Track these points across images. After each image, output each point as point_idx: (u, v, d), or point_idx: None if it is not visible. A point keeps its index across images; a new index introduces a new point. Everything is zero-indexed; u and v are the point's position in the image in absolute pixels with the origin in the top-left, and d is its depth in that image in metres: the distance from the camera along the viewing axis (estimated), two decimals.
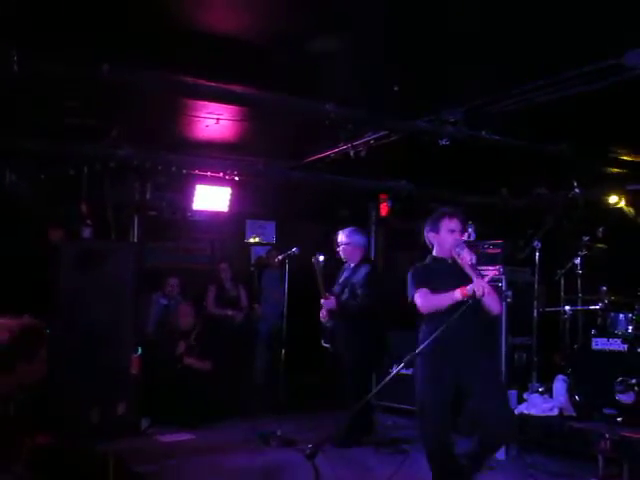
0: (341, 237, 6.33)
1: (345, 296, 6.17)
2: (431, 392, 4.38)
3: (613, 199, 7.50)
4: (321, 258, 6.14)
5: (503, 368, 6.58)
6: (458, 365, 4.33)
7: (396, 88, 5.08)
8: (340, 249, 6.30)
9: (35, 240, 6.65)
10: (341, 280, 6.32)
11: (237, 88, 4.98)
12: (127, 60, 4.52)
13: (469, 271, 4.23)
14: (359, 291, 6.14)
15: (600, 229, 6.67)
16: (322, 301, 6.19)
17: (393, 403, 7.27)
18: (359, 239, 6.38)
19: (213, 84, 4.88)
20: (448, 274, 4.37)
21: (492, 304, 4.29)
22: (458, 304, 4.16)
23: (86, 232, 6.72)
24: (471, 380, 4.32)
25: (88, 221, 6.72)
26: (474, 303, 4.14)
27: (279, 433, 6.20)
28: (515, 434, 4.65)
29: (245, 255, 9.02)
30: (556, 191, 7.69)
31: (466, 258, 4.23)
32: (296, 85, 4.98)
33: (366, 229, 9.14)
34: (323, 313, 6.26)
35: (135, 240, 7.17)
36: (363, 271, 6.18)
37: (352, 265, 6.28)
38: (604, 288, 6.23)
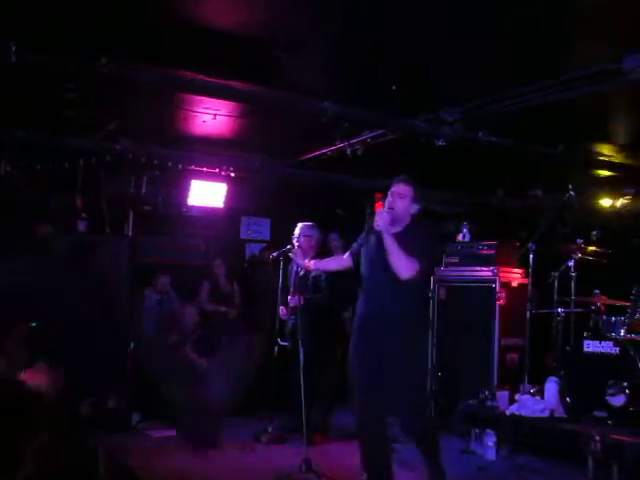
0: (300, 230, 6.30)
1: (309, 291, 6.16)
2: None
3: (607, 202, 7.53)
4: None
5: (495, 368, 6.62)
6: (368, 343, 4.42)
7: (394, 87, 5.08)
8: (301, 240, 6.21)
9: (30, 232, 6.62)
10: (296, 277, 6.20)
11: (235, 84, 4.97)
12: (125, 54, 4.51)
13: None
14: (324, 284, 6.16)
15: (594, 232, 6.68)
16: (289, 298, 6.18)
17: None
18: (318, 234, 6.42)
19: (211, 79, 4.87)
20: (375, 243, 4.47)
21: (397, 265, 4.24)
22: (371, 276, 4.41)
23: (81, 225, 6.71)
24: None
25: (83, 214, 6.70)
26: (382, 275, 4.30)
27: (270, 430, 6.21)
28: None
29: (240, 252, 9.01)
30: (551, 193, 7.70)
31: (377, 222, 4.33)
32: (294, 82, 4.97)
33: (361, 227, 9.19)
34: (284, 311, 6.27)
35: (129, 234, 7.16)
36: None
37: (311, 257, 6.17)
38: (597, 291, 6.25)
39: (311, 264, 5.18)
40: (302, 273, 6.09)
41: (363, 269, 4.55)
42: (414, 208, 4.50)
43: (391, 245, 4.24)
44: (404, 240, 4.29)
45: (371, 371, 4.32)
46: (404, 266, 4.22)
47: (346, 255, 4.85)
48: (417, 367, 4.58)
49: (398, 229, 4.42)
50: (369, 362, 4.35)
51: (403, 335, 4.30)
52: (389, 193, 4.52)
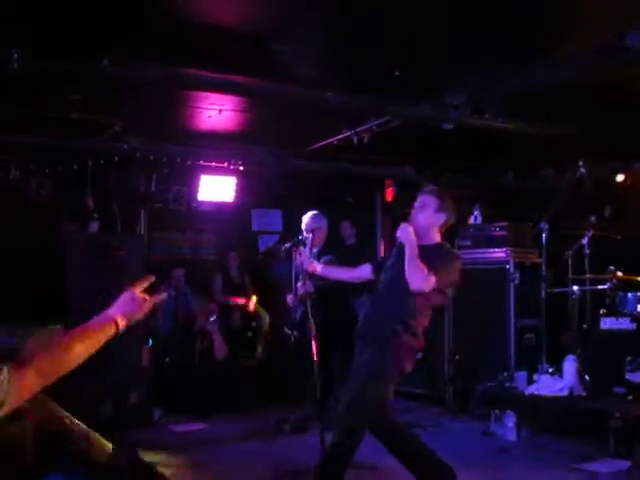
0: (309, 223, 6.13)
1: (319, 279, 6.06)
2: None
3: (620, 178, 7.47)
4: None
5: (512, 349, 6.62)
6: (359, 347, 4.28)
7: (397, 73, 5.06)
8: (312, 234, 6.00)
9: (42, 235, 6.68)
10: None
11: (238, 78, 4.97)
12: (127, 53, 4.53)
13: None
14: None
15: (607, 208, 6.64)
16: (298, 285, 5.91)
17: (402, 387, 7.31)
18: (325, 222, 6.29)
19: (213, 75, 4.87)
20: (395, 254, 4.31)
21: (411, 274, 3.99)
22: (382, 282, 4.26)
23: (93, 226, 6.75)
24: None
25: (94, 215, 6.74)
26: (388, 283, 4.18)
27: (292, 419, 6.24)
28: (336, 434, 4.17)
29: (252, 245, 9.03)
30: (562, 172, 7.66)
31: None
32: (296, 74, 4.96)
33: (372, 214, 9.19)
34: (292, 299, 6.06)
35: (141, 232, 7.19)
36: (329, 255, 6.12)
37: (314, 250, 6.11)
38: (612, 267, 6.22)
39: (318, 268, 5.07)
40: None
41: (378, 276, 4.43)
42: (440, 218, 4.23)
43: (411, 253, 4.03)
44: (427, 255, 4.05)
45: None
46: (418, 277, 3.98)
47: (367, 265, 4.62)
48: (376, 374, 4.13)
49: (424, 242, 4.17)
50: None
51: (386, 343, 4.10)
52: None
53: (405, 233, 4.12)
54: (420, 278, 3.96)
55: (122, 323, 2.33)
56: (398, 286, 4.07)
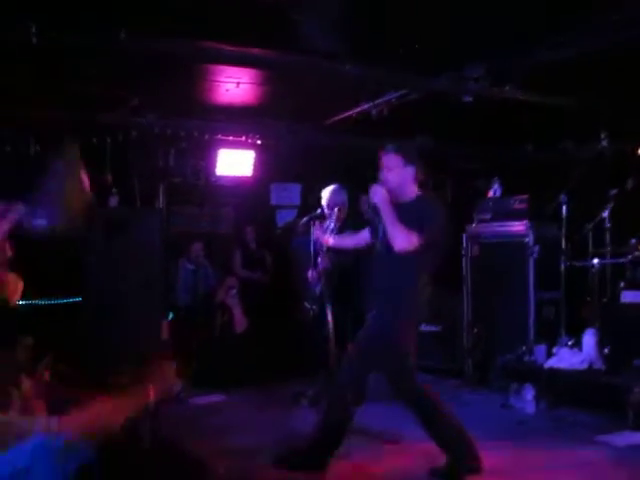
0: (330, 199, 5.97)
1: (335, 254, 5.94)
2: None
3: None
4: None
5: (531, 323, 6.60)
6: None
7: (416, 46, 5.01)
8: (339, 209, 5.90)
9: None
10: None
11: (256, 51, 4.94)
12: (144, 27, 4.51)
13: None
14: None
15: (629, 181, 6.56)
16: (319, 260, 5.87)
17: (420, 360, 7.32)
18: (346, 195, 6.12)
19: (231, 47, 4.85)
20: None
21: (392, 237, 4.05)
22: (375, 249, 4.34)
23: (112, 201, 6.79)
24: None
25: (114, 190, 6.78)
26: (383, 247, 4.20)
27: (310, 393, 6.28)
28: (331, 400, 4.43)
29: (270, 219, 9.04)
30: (583, 144, 7.57)
31: None
32: (314, 46, 4.92)
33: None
34: (313, 274, 6.03)
35: (160, 207, 7.23)
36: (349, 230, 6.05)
37: (339, 225, 5.90)
38: (633, 241, 6.16)
39: (330, 240, 5.09)
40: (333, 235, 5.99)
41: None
42: (409, 172, 4.22)
43: (387, 216, 4.06)
44: (409, 212, 4.08)
45: None
46: (399, 238, 4.01)
47: (366, 230, 4.69)
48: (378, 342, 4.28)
49: (405, 199, 4.20)
50: None
51: (387, 309, 4.22)
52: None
53: (378, 196, 4.13)
54: (401, 239, 4.01)
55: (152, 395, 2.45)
56: (387, 250, 4.13)
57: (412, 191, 4.24)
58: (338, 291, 5.98)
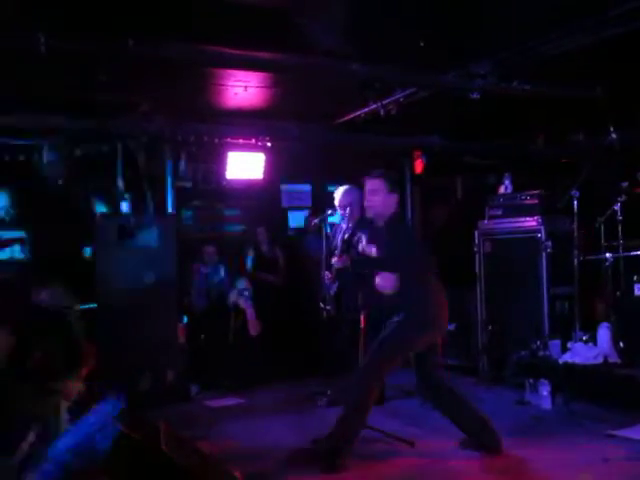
0: (345, 197, 6.00)
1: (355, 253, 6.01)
2: None
3: None
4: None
5: (545, 318, 6.58)
6: None
7: (422, 44, 5.01)
8: (351, 210, 5.90)
9: (75, 218, 6.79)
10: (341, 239, 5.95)
11: (262, 54, 4.96)
12: (152, 33, 4.55)
13: None
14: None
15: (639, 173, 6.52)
16: (334, 260, 5.65)
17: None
18: (358, 195, 5.89)
19: (238, 51, 4.87)
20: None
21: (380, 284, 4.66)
22: None
23: (124, 206, 6.84)
24: None
25: (125, 195, 6.83)
26: None
27: (329, 393, 6.30)
28: (348, 400, 4.62)
29: (282, 220, 9.07)
30: (593, 137, 7.54)
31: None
32: (321, 47, 4.94)
33: (401, 187, 9.11)
34: (328, 275, 5.98)
35: (172, 212, 7.27)
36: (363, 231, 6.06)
37: (350, 225, 5.89)
38: None
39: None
40: (347, 235, 6.00)
41: None
42: (393, 198, 4.66)
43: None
44: (387, 235, 4.53)
45: None
46: (384, 283, 4.55)
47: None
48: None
49: (380, 223, 4.63)
50: None
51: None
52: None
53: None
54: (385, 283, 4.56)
55: None
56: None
57: (389, 214, 4.64)
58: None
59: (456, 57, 5.43)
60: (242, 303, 7.48)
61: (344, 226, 5.83)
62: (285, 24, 4.53)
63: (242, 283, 7.59)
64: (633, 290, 5.82)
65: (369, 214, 4.72)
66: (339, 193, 6.02)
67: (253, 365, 7.13)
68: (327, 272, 6.15)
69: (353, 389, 4.57)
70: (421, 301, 4.51)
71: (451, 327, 7.66)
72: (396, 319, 4.56)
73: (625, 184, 6.32)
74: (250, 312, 7.48)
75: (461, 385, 6.60)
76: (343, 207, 5.90)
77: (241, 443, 5.26)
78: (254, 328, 7.45)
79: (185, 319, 7.10)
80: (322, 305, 6.15)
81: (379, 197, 4.60)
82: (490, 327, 7.08)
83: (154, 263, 6.63)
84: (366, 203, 4.68)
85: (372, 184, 4.65)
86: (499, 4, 4.46)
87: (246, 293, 7.49)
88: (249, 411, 6.25)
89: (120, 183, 6.73)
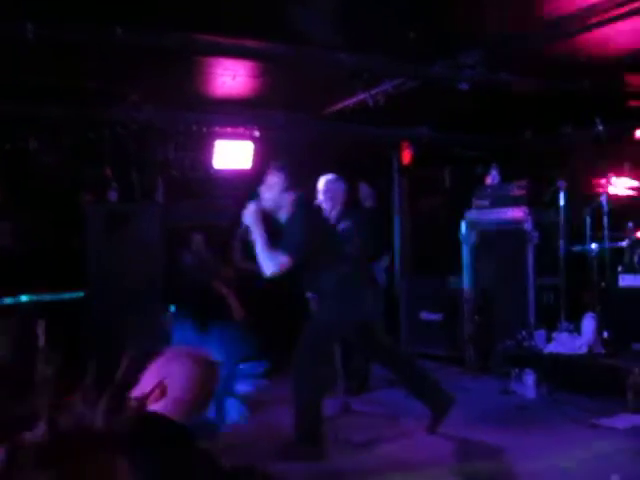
0: (327, 185, 6.05)
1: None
2: None
3: (639, 134, 7.35)
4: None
5: (531, 308, 6.64)
6: None
7: (412, 34, 5.01)
8: (335, 199, 6.05)
9: (62, 206, 6.76)
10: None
11: (251, 43, 4.95)
12: (139, 21, 4.53)
13: None
14: (353, 234, 5.98)
15: (626, 165, 6.57)
16: None
17: (422, 348, 7.41)
18: (343, 185, 6.17)
19: (227, 40, 4.86)
20: None
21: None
22: None
23: (112, 195, 6.82)
24: None
25: (113, 184, 6.81)
26: None
27: None
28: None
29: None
30: (580, 129, 7.57)
31: None
32: (309, 36, 4.93)
33: (389, 178, 9.13)
34: None
35: (160, 200, 7.25)
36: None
37: (333, 214, 5.99)
38: (631, 224, 6.19)
39: None
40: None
41: None
42: (288, 197, 4.56)
43: (257, 239, 4.47)
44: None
45: None
46: (265, 266, 4.43)
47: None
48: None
49: (284, 217, 4.55)
50: None
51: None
52: None
53: (248, 215, 4.51)
54: (266, 266, 4.42)
55: None
56: None
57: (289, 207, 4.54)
58: None
59: (445, 47, 5.43)
60: (225, 290, 7.47)
61: (329, 216, 5.83)
62: (274, 11, 4.52)
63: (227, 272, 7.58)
64: (617, 281, 5.87)
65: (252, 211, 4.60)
66: (322, 182, 6.04)
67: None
68: None
69: (295, 387, 4.57)
70: (331, 287, 4.54)
71: (438, 317, 7.74)
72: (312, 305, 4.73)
73: (612, 175, 6.37)
74: (233, 299, 7.48)
75: (447, 375, 6.70)
76: (326, 196, 5.94)
77: (225, 433, 5.25)
78: (238, 314, 7.44)
79: (172, 308, 7.08)
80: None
81: (272, 191, 4.58)
82: (477, 317, 7.13)
83: (142, 251, 6.63)
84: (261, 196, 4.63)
85: (269, 178, 4.64)
86: None
87: (229, 281, 7.48)
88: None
89: (108, 171, 6.72)
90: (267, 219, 4.69)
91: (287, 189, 4.54)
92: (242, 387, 6.23)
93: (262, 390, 6.45)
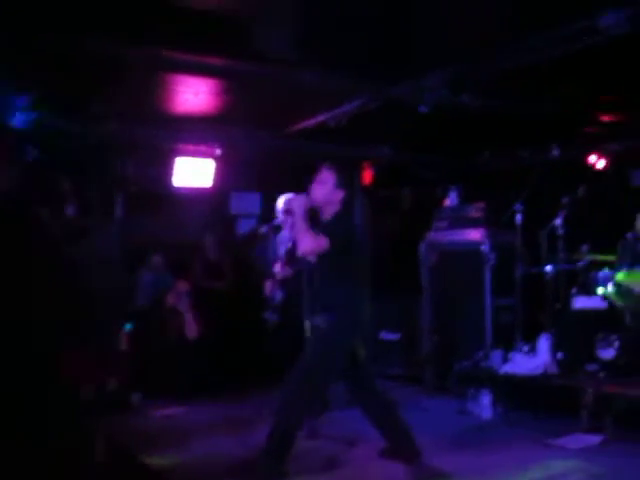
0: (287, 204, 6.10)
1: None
2: None
3: (593, 158, 7.54)
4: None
5: (488, 329, 6.71)
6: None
7: (372, 54, 5.07)
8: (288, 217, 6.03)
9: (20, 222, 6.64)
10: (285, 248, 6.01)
11: (213, 60, 4.96)
12: (104, 35, 4.51)
13: None
14: None
15: (580, 189, 6.71)
16: (277, 269, 5.90)
17: (380, 367, 7.41)
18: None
19: (188, 57, 4.86)
20: None
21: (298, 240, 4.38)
22: None
23: (70, 209, 6.73)
24: None
25: (71, 198, 6.72)
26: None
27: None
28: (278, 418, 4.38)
29: (230, 228, 9.03)
30: (538, 152, 7.72)
31: None
32: (270, 55, 4.97)
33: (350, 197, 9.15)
34: (270, 285, 6.03)
35: (119, 216, 7.19)
36: None
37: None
38: (584, 247, 6.32)
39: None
40: (290, 244, 5.87)
41: None
42: (338, 194, 4.49)
43: (299, 222, 4.35)
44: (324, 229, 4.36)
45: None
46: (303, 241, 4.31)
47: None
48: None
49: (327, 217, 4.48)
50: None
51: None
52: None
53: (296, 203, 4.42)
54: (305, 242, 4.30)
55: None
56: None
57: (334, 209, 4.49)
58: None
59: (407, 69, 5.50)
60: (179, 305, 7.43)
61: (287, 235, 5.82)
62: (238, 31, 4.54)
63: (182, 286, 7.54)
64: (571, 302, 5.97)
65: (310, 202, 4.51)
66: (282, 201, 6.01)
67: (196, 371, 7.06)
68: (269, 282, 6.13)
69: (286, 404, 4.39)
70: (350, 301, 4.43)
71: (396, 337, 7.78)
72: (321, 321, 4.45)
73: (566, 199, 6.49)
74: (188, 314, 7.43)
75: (405, 394, 6.73)
76: (286, 215, 5.90)
77: (184, 454, 5.17)
78: (191, 331, 7.39)
79: (129, 326, 7.00)
80: (267, 315, 6.14)
81: (324, 189, 4.48)
82: (435, 337, 7.18)
83: (100, 268, 6.54)
84: (311, 192, 4.54)
85: (322, 174, 4.54)
86: (451, 18, 4.54)
87: (184, 295, 7.43)
88: (191, 422, 6.15)
89: (66, 185, 6.64)
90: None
91: (338, 187, 4.49)
92: None
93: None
